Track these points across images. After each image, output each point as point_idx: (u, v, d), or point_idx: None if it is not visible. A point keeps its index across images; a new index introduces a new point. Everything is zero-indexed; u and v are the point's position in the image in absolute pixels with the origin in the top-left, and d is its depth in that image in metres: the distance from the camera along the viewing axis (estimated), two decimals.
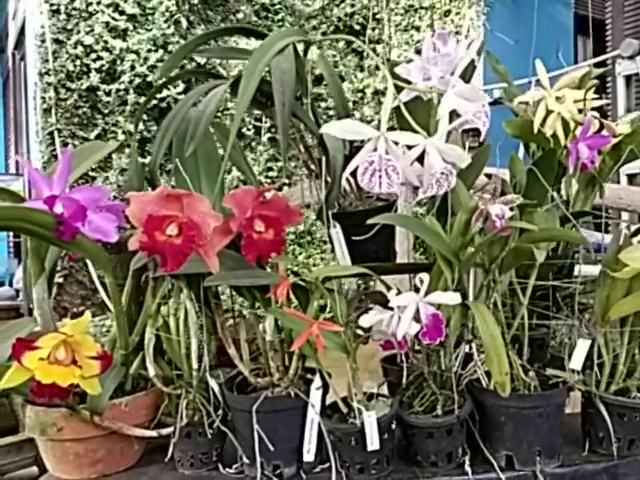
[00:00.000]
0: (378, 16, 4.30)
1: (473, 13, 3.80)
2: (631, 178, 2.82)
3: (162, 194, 0.80)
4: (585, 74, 1.14)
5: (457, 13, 3.92)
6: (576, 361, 0.94)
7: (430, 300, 0.86)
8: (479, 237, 0.88)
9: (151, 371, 0.98)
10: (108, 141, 3.68)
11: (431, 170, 0.78)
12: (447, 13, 3.96)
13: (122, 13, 3.91)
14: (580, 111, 1.11)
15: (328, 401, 0.98)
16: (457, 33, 3.90)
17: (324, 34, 4.27)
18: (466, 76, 0.88)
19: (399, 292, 0.86)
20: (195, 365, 0.97)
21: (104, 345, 0.97)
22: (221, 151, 1.07)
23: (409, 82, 0.85)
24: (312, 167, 1.05)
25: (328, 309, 0.87)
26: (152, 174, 0.97)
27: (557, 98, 1.09)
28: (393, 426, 0.94)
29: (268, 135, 4.17)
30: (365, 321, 0.87)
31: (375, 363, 1.13)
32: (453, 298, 0.86)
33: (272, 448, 0.91)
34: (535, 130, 1.09)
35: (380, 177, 0.76)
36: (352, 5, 4.34)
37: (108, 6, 3.89)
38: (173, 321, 0.99)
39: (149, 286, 1.00)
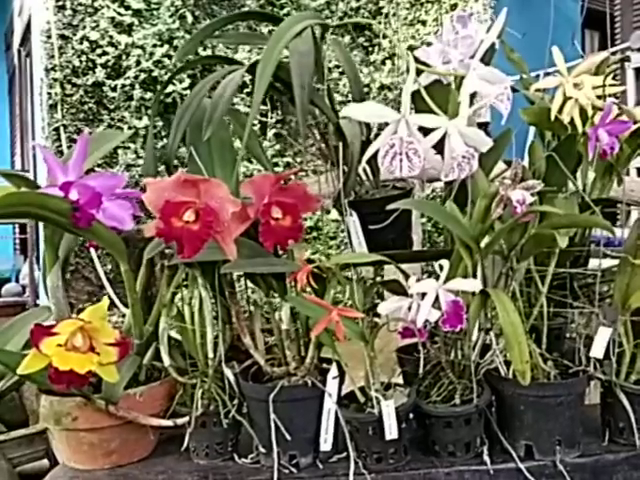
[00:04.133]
0: (384, 10, 4.27)
1: (480, 6, 3.77)
2: None
3: (179, 180, 0.79)
4: (603, 60, 1.12)
5: (464, 6, 3.89)
6: (597, 349, 0.93)
7: (450, 287, 0.85)
8: (498, 223, 0.87)
9: (166, 361, 0.98)
10: None
11: (453, 153, 0.77)
12: (454, 7, 3.93)
13: (127, 8, 3.90)
14: (598, 97, 1.10)
15: (344, 391, 0.97)
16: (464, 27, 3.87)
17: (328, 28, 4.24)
18: (486, 59, 0.87)
19: (419, 279, 0.85)
20: (211, 354, 0.96)
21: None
22: (235, 140, 1.06)
23: (429, 65, 0.84)
24: (328, 155, 1.04)
25: (343, 300, 0.86)
26: (168, 162, 0.95)
27: (575, 84, 1.08)
28: (411, 416, 0.93)
29: (274, 131, 4.16)
30: (384, 309, 0.86)
31: (385, 354, 1.12)
32: (474, 285, 0.85)
33: (289, 437, 0.90)
34: (552, 117, 1.08)
35: (401, 160, 0.75)
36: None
37: (113, 1, 3.88)
38: (188, 310, 0.99)
39: (164, 275, 0.99)
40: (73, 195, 0.82)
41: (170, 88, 3.69)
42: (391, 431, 0.87)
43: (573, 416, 0.92)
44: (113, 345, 0.76)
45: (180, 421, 0.97)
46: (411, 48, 1.25)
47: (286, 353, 0.95)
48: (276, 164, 4.27)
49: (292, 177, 1.00)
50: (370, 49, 4.38)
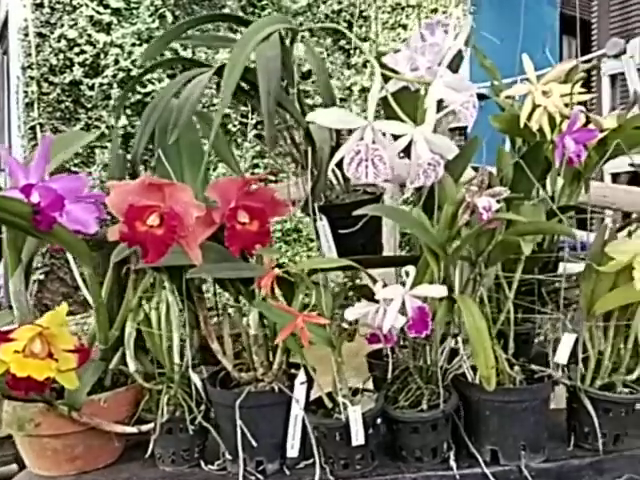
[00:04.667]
0: (365, 14, 4.29)
1: (460, 12, 3.81)
2: (615, 177, 2.84)
3: (143, 183, 0.78)
4: (572, 68, 1.13)
5: (444, 12, 3.92)
6: (561, 355, 0.94)
7: (416, 293, 0.85)
8: (466, 230, 0.87)
9: (131, 366, 0.96)
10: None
11: (418, 160, 0.77)
12: (434, 12, 3.97)
13: (106, 7, 3.86)
14: (566, 105, 1.11)
15: (312, 396, 0.97)
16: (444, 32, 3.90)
17: (311, 31, 4.25)
18: (454, 66, 0.87)
19: (385, 285, 0.85)
20: (177, 360, 0.95)
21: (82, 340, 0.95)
22: (205, 141, 1.05)
23: (397, 72, 0.84)
24: (298, 159, 1.03)
25: (312, 305, 0.85)
26: (134, 165, 0.94)
27: (544, 92, 1.09)
28: (378, 421, 0.93)
29: (254, 132, 4.14)
30: (350, 314, 0.85)
31: (360, 358, 1.12)
32: (439, 291, 0.85)
33: (255, 444, 0.90)
34: (521, 124, 1.09)
35: (367, 167, 0.74)
36: (339, 2, 4.32)
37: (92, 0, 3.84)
38: (155, 315, 0.97)
39: (130, 279, 0.98)
40: (34, 198, 0.80)
41: (150, 87, 3.66)
42: (357, 437, 0.87)
43: (538, 421, 0.93)
44: (72, 352, 0.74)
45: (145, 427, 0.95)
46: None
47: (254, 358, 0.95)
48: (257, 165, 4.26)
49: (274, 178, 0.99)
50: (351, 52, 4.40)
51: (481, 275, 0.96)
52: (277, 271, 0.80)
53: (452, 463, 0.92)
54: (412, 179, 0.77)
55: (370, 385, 1.07)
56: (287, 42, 0.91)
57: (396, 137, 0.82)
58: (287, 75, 0.94)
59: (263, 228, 0.84)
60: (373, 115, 0.76)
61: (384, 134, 0.79)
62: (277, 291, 0.91)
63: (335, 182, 1.07)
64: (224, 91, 0.76)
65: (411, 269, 0.84)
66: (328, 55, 4.32)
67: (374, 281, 0.91)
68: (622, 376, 0.99)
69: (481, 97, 1.37)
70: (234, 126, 4.12)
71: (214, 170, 3.94)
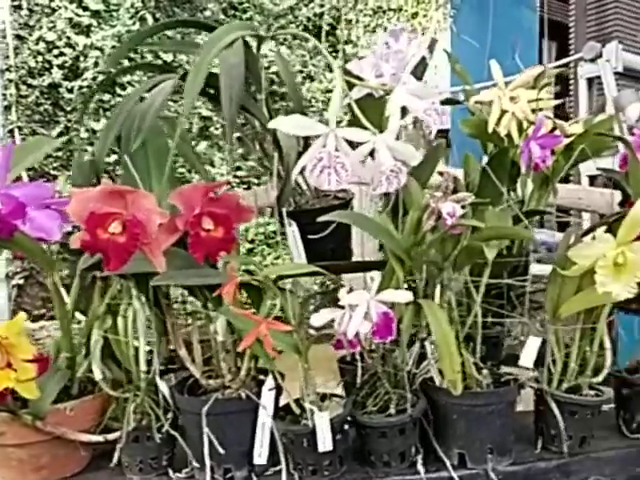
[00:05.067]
0: (347, 17, 4.30)
1: (440, 16, 3.83)
2: (592, 179, 2.88)
3: (105, 191, 0.77)
4: (540, 74, 1.15)
5: (424, 15, 3.95)
6: (526, 358, 0.95)
7: (381, 298, 0.85)
8: (431, 235, 0.87)
9: (97, 374, 0.95)
10: (71, 139, 3.60)
11: (381, 167, 0.77)
12: (415, 15, 3.99)
13: (86, 9, 3.82)
14: (534, 111, 1.12)
15: (282, 402, 0.97)
16: (424, 35, 3.92)
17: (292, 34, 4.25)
18: (418, 73, 0.88)
19: (351, 290, 0.85)
20: (143, 367, 0.94)
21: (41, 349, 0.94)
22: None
23: (360, 79, 0.84)
24: (268, 165, 1.03)
25: (278, 311, 0.85)
26: (97, 171, 0.93)
27: (511, 98, 1.10)
28: (346, 427, 0.93)
29: (237, 134, 4.12)
30: (316, 320, 0.85)
31: (333, 363, 1.12)
32: (404, 296, 0.85)
33: (222, 451, 0.89)
34: (490, 130, 1.10)
35: (329, 174, 0.74)
36: (321, 5, 4.33)
37: (71, 2, 3.80)
38: (122, 322, 0.97)
39: (96, 287, 0.97)
40: None
41: (129, 90, 3.64)
42: (325, 443, 0.87)
43: (505, 424, 0.94)
44: (31, 361, 0.73)
45: (111, 436, 0.95)
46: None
47: (221, 365, 0.94)
48: (239, 167, 4.25)
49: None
50: (334, 55, 4.41)
51: (449, 279, 0.97)
52: (240, 278, 0.80)
53: (420, 467, 0.92)
54: (374, 186, 0.77)
55: (341, 390, 1.08)
56: (254, 48, 0.91)
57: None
58: (254, 81, 0.94)
59: (228, 235, 0.84)
60: (335, 122, 0.76)
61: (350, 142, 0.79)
62: (245, 297, 0.91)
63: (305, 187, 1.07)
64: (186, 97, 0.76)
65: (376, 275, 0.85)
66: (310, 57, 4.32)
67: (341, 286, 0.91)
68: (588, 378, 1.00)
69: (454, 102, 1.39)
70: (216, 129, 4.11)
71: (196, 173, 3.92)
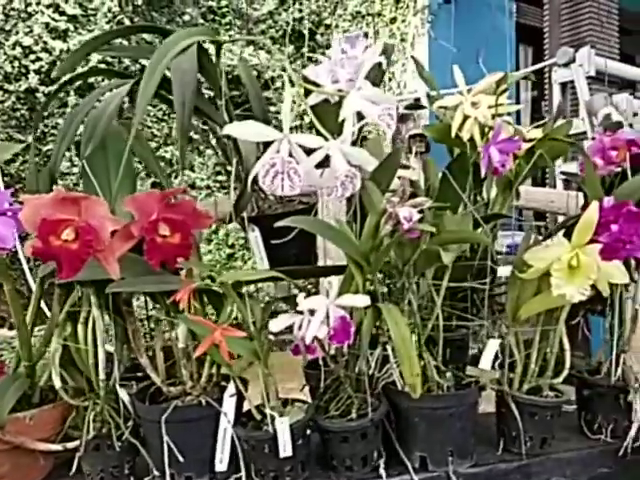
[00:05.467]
0: (327, 21, 4.31)
1: (418, 21, 3.87)
2: (567, 182, 2.92)
3: (57, 197, 0.77)
4: (501, 79, 1.16)
5: (403, 21, 3.98)
6: (485, 361, 0.95)
7: (339, 303, 0.85)
8: (388, 239, 0.88)
9: (57, 383, 0.94)
10: (47, 144, 3.57)
11: (335, 173, 0.77)
12: (393, 20, 4.02)
13: (62, 14, 3.80)
14: (495, 116, 1.14)
15: (246, 408, 0.96)
16: (403, 40, 3.96)
17: (272, 39, 4.26)
18: (374, 79, 0.88)
19: (308, 295, 0.85)
20: (102, 375, 0.93)
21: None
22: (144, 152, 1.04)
23: (316, 85, 0.84)
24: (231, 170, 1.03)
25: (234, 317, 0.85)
26: (52, 177, 0.93)
27: (473, 103, 1.11)
28: (308, 432, 0.93)
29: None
30: (275, 326, 0.85)
31: (298, 369, 1.12)
32: (362, 300, 0.86)
33: (182, 459, 0.89)
34: (453, 135, 1.11)
35: (282, 179, 0.75)
36: (300, 10, 4.35)
37: (48, 7, 3.78)
38: (82, 330, 0.96)
39: (55, 294, 0.96)
40: None
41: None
42: (285, 448, 0.87)
43: (465, 427, 0.94)
44: None
45: (71, 445, 0.94)
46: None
47: (182, 372, 0.94)
48: (219, 172, 4.25)
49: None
50: (314, 59, 4.43)
51: (410, 283, 0.97)
52: (196, 284, 0.80)
53: (382, 471, 0.93)
54: (329, 191, 0.78)
55: (307, 395, 1.08)
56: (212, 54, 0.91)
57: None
58: (213, 87, 0.94)
59: (185, 240, 0.83)
60: (288, 128, 0.76)
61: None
62: (204, 303, 0.91)
63: (269, 192, 1.07)
64: (139, 102, 0.76)
65: (334, 279, 0.85)
66: (291, 62, 4.33)
67: (302, 292, 0.91)
68: (549, 380, 1.01)
69: (419, 107, 1.40)
70: (196, 133, 4.11)
71: (175, 178, 3.91)
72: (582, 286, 0.85)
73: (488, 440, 1.03)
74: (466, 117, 1.12)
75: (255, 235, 1.02)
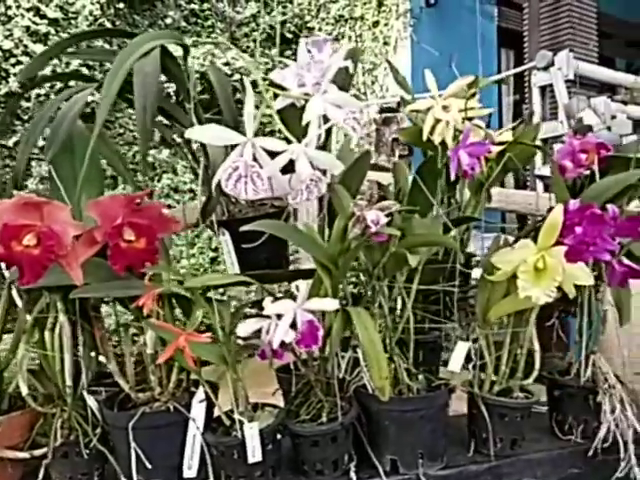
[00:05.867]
0: (310, 25, 4.32)
1: (400, 25, 3.88)
2: (547, 185, 2.95)
3: (19, 202, 0.76)
4: (472, 82, 1.17)
5: (385, 24, 3.99)
6: (454, 363, 0.96)
7: (308, 307, 0.85)
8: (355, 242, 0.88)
9: (23, 390, 0.93)
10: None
11: (300, 176, 0.77)
12: (376, 24, 4.03)
13: (43, 17, 3.77)
14: (468, 119, 1.14)
15: (217, 414, 0.96)
16: (386, 44, 3.97)
17: (255, 42, 4.25)
18: (342, 83, 0.89)
19: (275, 299, 0.85)
20: (69, 382, 0.92)
21: None
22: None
23: (282, 88, 0.84)
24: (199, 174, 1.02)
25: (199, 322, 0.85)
26: (16, 181, 0.92)
27: (444, 107, 1.12)
28: (279, 436, 0.92)
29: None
30: (242, 330, 0.85)
31: (270, 373, 1.11)
32: (330, 304, 0.86)
33: (150, 466, 0.88)
34: (424, 138, 1.11)
35: (246, 183, 0.75)
36: (284, 14, 4.35)
37: (28, 10, 3.75)
38: (49, 336, 0.95)
39: (23, 300, 0.95)
40: None
41: (89, 98, 3.59)
42: (254, 454, 0.87)
43: (435, 429, 0.94)
44: None
45: (38, 452, 0.93)
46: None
47: (151, 378, 0.93)
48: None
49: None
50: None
51: (381, 286, 0.98)
52: (158, 289, 0.79)
53: (352, 475, 0.92)
54: (294, 195, 0.78)
55: (280, 399, 1.07)
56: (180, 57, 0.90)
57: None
58: (181, 90, 0.94)
59: (151, 245, 0.83)
60: (252, 131, 0.76)
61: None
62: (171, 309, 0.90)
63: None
64: (101, 105, 0.75)
65: (301, 283, 0.85)
66: (274, 66, 4.33)
67: (271, 296, 0.91)
68: (519, 381, 1.01)
69: (392, 110, 1.40)
70: (180, 137, 4.09)
71: (159, 181, 3.89)
72: (548, 288, 0.86)
73: (460, 442, 1.03)
74: (437, 120, 1.12)
75: (225, 239, 1.01)
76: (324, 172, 0.80)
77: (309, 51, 0.87)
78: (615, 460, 1.00)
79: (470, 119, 1.12)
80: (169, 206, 3.42)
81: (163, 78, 0.89)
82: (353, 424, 0.95)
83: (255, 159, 0.76)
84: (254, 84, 0.79)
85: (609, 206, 0.89)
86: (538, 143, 1.09)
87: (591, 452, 1.01)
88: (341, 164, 0.83)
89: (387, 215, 0.86)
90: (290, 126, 0.83)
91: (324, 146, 0.90)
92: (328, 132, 0.87)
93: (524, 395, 1.00)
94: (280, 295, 0.92)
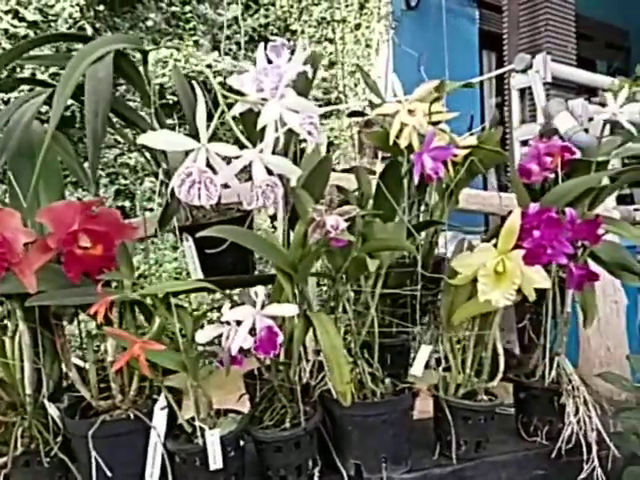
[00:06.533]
0: (292, 27, 4.32)
1: (382, 27, 3.89)
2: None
3: None
4: (438, 86, 1.17)
5: (367, 27, 4.00)
6: (417, 367, 0.96)
7: (267, 313, 0.85)
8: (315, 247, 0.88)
9: None
10: None
11: (255, 181, 0.77)
12: (358, 27, 4.04)
13: (22, 20, 3.74)
14: (435, 123, 1.15)
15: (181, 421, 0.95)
16: (368, 46, 3.98)
17: (238, 44, 4.25)
18: (301, 88, 0.89)
19: (233, 306, 0.84)
20: (28, 390, 0.91)
21: None
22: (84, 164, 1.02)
23: (240, 94, 0.84)
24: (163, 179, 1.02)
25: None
26: None
27: (410, 111, 1.12)
28: (242, 443, 0.92)
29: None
30: (201, 337, 0.85)
31: (237, 379, 1.11)
32: (290, 310, 0.85)
33: (110, 474, 0.87)
34: (391, 142, 1.11)
35: (199, 189, 0.74)
36: (266, 16, 4.35)
37: (7, 12, 3.71)
38: (9, 344, 0.94)
39: None
40: None
41: (69, 101, 3.57)
42: (215, 461, 0.86)
43: (398, 433, 0.94)
44: None
45: None
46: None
47: (112, 385, 0.92)
48: None
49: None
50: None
51: (344, 291, 0.97)
52: (112, 297, 0.78)
53: None
54: (249, 201, 0.77)
55: (246, 405, 1.07)
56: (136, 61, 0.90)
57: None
58: (141, 95, 0.93)
59: (109, 252, 0.82)
60: (206, 137, 0.75)
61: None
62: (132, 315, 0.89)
63: None
64: (54, 111, 0.74)
65: (259, 289, 0.84)
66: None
67: (231, 301, 0.90)
68: (484, 383, 1.02)
69: (360, 114, 1.41)
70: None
71: (140, 184, 3.87)
72: (507, 291, 0.86)
73: (427, 445, 1.03)
74: (404, 125, 1.13)
75: (189, 245, 1.01)
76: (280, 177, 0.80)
77: (267, 56, 0.87)
78: (579, 461, 1.01)
79: (436, 123, 1.13)
80: (151, 209, 3.41)
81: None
82: (318, 429, 0.95)
83: (210, 165, 0.76)
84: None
85: (567, 210, 0.90)
86: (499, 147, 1.10)
87: (555, 453, 1.01)
88: (298, 169, 0.83)
89: (347, 220, 0.86)
90: (250, 131, 0.83)
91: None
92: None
93: (488, 398, 1.01)
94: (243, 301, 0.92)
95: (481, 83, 4.05)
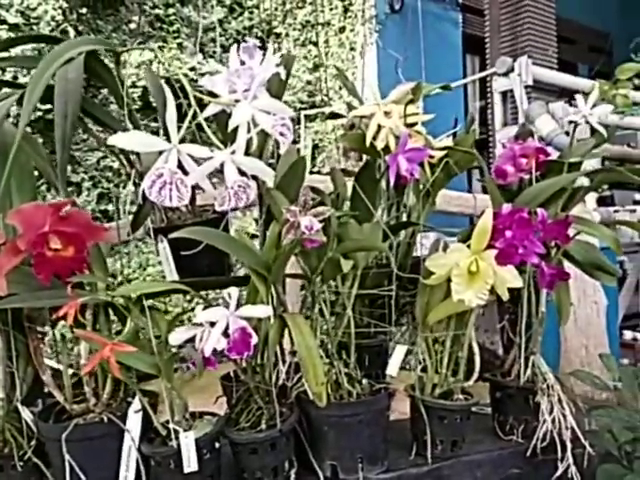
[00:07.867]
0: (277, 30, 4.33)
1: (366, 30, 3.91)
2: None
3: None
4: (415, 88, 1.18)
5: (351, 30, 4.02)
6: (392, 367, 0.96)
7: (241, 314, 0.84)
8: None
9: None
10: None
11: (227, 182, 0.77)
12: (342, 30, 4.06)
13: (3, 22, 3.70)
14: (411, 125, 1.16)
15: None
16: (352, 49, 4.00)
17: (223, 47, 4.24)
18: (273, 89, 0.89)
19: (206, 307, 0.84)
20: (1, 394, 0.90)
21: None
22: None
23: (214, 95, 0.84)
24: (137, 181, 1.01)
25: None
26: None
27: (386, 113, 1.13)
28: (217, 445, 0.91)
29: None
30: (174, 339, 0.84)
31: (214, 381, 1.10)
32: (263, 311, 0.85)
33: (84, 478, 0.86)
34: (367, 143, 1.12)
35: (170, 190, 0.74)
36: (250, 19, 4.35)
37: None
38: None
39: None
40: None
41: (48, 106, 3.54)
42: (190, 463, 0.86)
43: (374, 433, 0.94)
44: None
45: None
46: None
47: (85, 389, 0.92)
48: None
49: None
50: None
51: (320, 292, 0.98)
52: (81, 299, 0.78)
53: None
54: (221, 202, 0.77)
55: (223, 408, 1.06)
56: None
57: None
58: (114, 97, 0.93)
59: (80, 254, 0.81)
60: (177, 138, 0.75)
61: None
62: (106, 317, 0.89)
63: None
64: (23, 112, 0.74)
65: (233, 290, 0.84)
66: None
67: (206, 302, 0.90)
68: (460, 383, 1.02)
69: (337, 116, 1.42)
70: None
71: (124, 188, 3.84)
72: (480, 291, 0.87)
73: (404, 445, 1.04)
74: (381, 126, 1.13)
75: (163, 246, 1.00)
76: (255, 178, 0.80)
77: (239, 57, 0.87)
78: (554, 460, 1.02)
79: (412, 125, 1.13)
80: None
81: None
82: (294, 430, 0.95)
83: (180, 166, 0.76)
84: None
85: (538, 210, 0.91)
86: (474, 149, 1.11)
87: (530, 452, 1.02)
88: (271, 170, 0.83)
89: (322, 221, 0.86)
90: (224, 133, 0.83)
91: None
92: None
93: (464, 397, 1.01)
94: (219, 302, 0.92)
95: (465, 86, 4.08)
